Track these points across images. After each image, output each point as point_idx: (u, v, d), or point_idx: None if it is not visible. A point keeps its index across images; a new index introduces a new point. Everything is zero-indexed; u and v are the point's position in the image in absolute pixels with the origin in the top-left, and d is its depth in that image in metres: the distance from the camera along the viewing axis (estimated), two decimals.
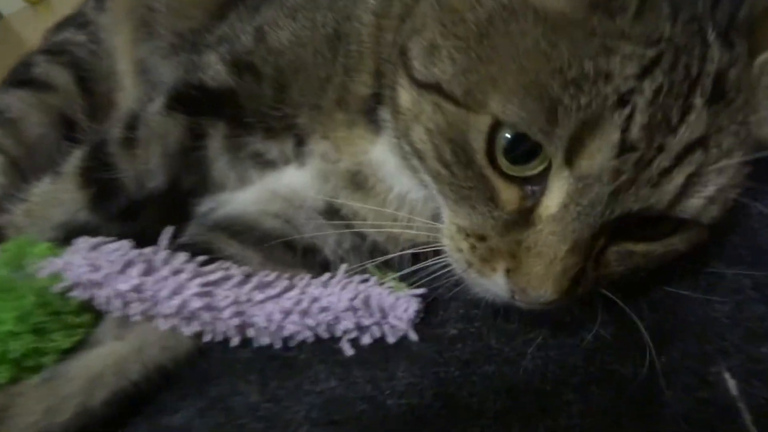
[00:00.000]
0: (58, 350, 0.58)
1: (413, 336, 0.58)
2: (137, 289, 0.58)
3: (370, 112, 0.60)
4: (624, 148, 0.40)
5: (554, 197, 0.43)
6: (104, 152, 0.69)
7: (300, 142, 0.65)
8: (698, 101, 0.41)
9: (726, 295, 0.52)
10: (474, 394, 0.52)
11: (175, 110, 0.67)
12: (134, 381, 0.58)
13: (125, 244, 0.61)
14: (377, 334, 0.59)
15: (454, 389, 0.52)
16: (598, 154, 0.40)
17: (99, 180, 0.68)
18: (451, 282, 0.61)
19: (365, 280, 0.61)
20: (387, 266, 0.66)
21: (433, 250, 0.66)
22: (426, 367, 0.55)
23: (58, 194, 0.69)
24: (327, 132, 0.63)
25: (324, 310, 0.58)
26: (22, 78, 0.87)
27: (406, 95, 0.52)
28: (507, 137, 0.44)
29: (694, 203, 0.43)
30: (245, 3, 0.74)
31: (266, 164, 0.67)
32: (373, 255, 0.66)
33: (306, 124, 0.64)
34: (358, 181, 0.63)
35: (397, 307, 0.58)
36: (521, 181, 0.45)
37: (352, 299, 0.58)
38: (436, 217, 0.64)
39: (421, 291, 0.60)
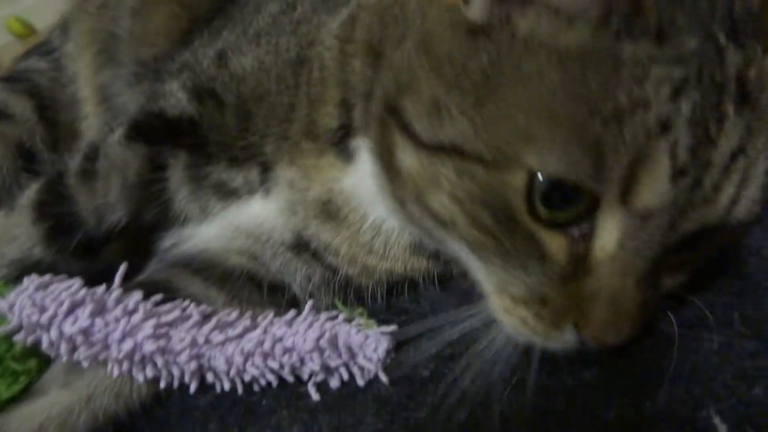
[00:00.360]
0: (0, 400, 0.54)
1: (383, 378, 0.54)
2: (86, 331, 0.54)
3: (341, 142, 0.58)
4: (676, 174, 0.38)
5: (609, 237, 0.40)
6: (62, 185, 0.66)
7: (266, 169, 0.61)
8: (729, 108, 0.39)
9: (714, 331, 0.49)
10: None
11: (135, 140, 0.64)
12: None
13: (75, 282, 0.57)
14: (345, 376, 0.55)
15: None
16: (654, 187, 0.38)
17: (55, 214, 0.65)
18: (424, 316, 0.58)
19: (333, 317, 0.57)
20: (358, 300, 0.63)
21: (409, 283, 0.63)
22: (396, 411, 0.51)
23: (11, 229, 0.66)
24: (294, 159, 0.60)
25: (288, 351, 0.55)
26: None
27: (409, 159, 0.47)
28: (543, 185, 0.40)
29: (743, 208, 0.41)
30: (209, 28, 0.73)
31: (230, 194, 0.63)
32: (345, 290, 0.62)
33: (272, 152, 0.61)
34: (330, 211, 0.60)
35: (366, 346, 0.55)
36: (563, 227, 0.42)
37: (318, 338, 0.54)
38: (414, 246, 0.61)
39: (391, 328, 0.56)
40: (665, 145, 0.37)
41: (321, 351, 0.54)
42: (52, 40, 0.95)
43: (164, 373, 0.55)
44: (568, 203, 0.40)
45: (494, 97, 0.41)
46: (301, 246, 0.62)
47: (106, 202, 0.64)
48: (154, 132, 0.64)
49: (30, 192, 0.67)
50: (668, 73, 0.37)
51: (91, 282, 0.58)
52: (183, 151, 0.63)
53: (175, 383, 0.56)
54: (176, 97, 0.64)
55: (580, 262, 0.42)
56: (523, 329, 0.46)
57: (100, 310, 0.55)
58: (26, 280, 0.58)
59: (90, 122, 0.89)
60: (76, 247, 0.65)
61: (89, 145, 0.68)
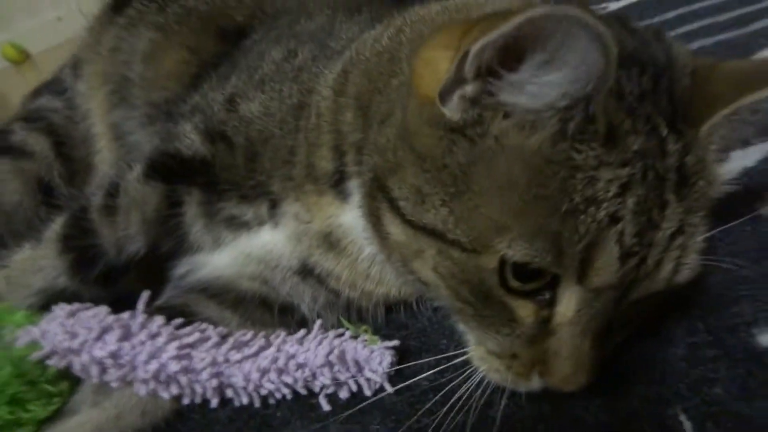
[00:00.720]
0: (36, 420, 0.59)
1: (389, 388, 0.59)
2: (114, 355, 0.59)
3: (337, 184, 0.62)
4: (623, 256, 0.44)
5: (568, 306, 0.47)
6: (85, 219, 0.71)
7: (274, 205, 0.67)
8: (670, 196, 0.45)
9: (681, 339, 0.56)
10: None
11: (153, 178, 0.70)
12: None
13: (102, 310, 0.62)
14: (354, 388, 0.61)
15: None
16: (604, 269, 0.44)
17: (79, 246, 0.70)
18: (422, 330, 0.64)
19: (340, 335, 0.63)
20: (360, 319, 0.69)
21: (403, 303, 0.69)
22: (399, 419, 0.57)
23: (37, 261, 0.71)
24: (299, 197, 0.65)
25: (301, 366, 0.60)
26: (1, 146, 0.89)
27: (395, 230, 0.52)
28: (513, 266, 0.46)
29: (683, 275, 0.48)
30: (217, 72, 0.78)
31: (241, 226, 0.68)
32: (348, 310, 0.68)
33: (279, 190, 0.66)
34: (331, 242, 0.65)
35: (371, 360, 0.60)
36: (530, 295, 0.48)
37: (328, 354, 0.60)
38: None
39: (393, 343, 0.62)
40: (614, 234, 0.43)
41: (331, 365, 0.60)
42: (64, 78, 1.01)
43: (187, 391, 0.61)
44: (535, 278, 0.46)
45: (470, 192, 0.46)
46: (306, 271, 0.68)
47: (126, 235, 0.70)
48: (170, 171, 0.69)
49: (55, 226, 0.72)
50: (616, 174, 0.43)
51: (110, 306, 0.63)
52: (197, 188, 0.68)
53: (197, 399, 0.61)
54: (190, 139, 0.69)
55: (544, 325, 0.48)
56: (496, 376, 0.53)
57: (126, 334, 0.60)
58: (56, 309, 0.63)
59: (103, 156, 0.94)
60: (97, 276, 0.70)
61: (110, 182, 0.73)
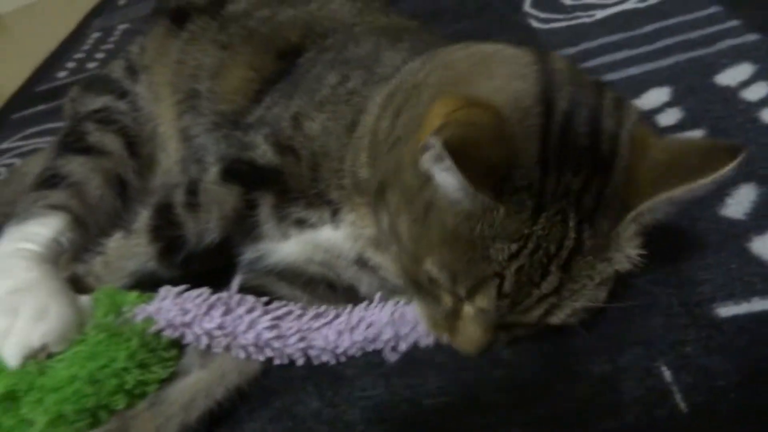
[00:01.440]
0: (158, 380, 0.72)
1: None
2: (220, 326, 0.73)
3: (379, 194, 0.68)
4: (500, 297, 0.57)
5: (467, 309, 0.62)
6: (172, 213, 0.82)
7: (335, 212, 0.77)
8: (554, 269, 0.56)
9: (661, 311, 0.72)
10: (488, 393, 0.70)
11: (229, 182, 0.81)
12: (219, 401, 0.73)
13: (205, 290, 0.75)
14: (412, 341, 0.73)
15: (474, 389, 0.70)
16: (484, 300, 0.58)
17: (167, 236, 0.82)
18: None
19: (397, 302, 0.76)
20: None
21: None
22: (450, 372, 0.72)
23: (131, 248, 0.82)
24: (353, 207, 0.76)
25: (370, 325, 0.74)
26: (80, 146, 0.98)
27: (384, 226, 0.66)
28: None
29: (553, 320, 0.60)
30: (276, 88, 0.89)
31: (307, 225, 0.80)
32: (395, 292, 0.82)
33: (337, 199, 0.76)
34: (380, 243, 0.75)
35: None
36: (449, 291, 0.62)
37: (393, 313, 0.74)
38: None
39: None
40: (494, 284, 0.56)
41: (394, 322, 0.73)
42: (118, 79, 1.09)
43: (278, 354, 0.75)
44: None
45: (425, 223, 0.58)
46: (362, 262, 0.79)
47: (206, 228, 0.82)
48: (246, 176, 0.80)
49: (142, 218, 0.84)
50: (509, 247, 0.54)
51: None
52: (270, 193, 0.78)
53: (285, 361, 0.76)
54: (263, 149, 0.80)
55: (457, 311, 0.63)
56: (427, 321, 0.69)
57: (227, 309, 0.74)
58: (162, 290, 0.76)
59: (169, 154, 1.04)
60: (179, 261, 0.83)
61: (189, 182, 0.85)
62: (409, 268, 0.64)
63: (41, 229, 0.84)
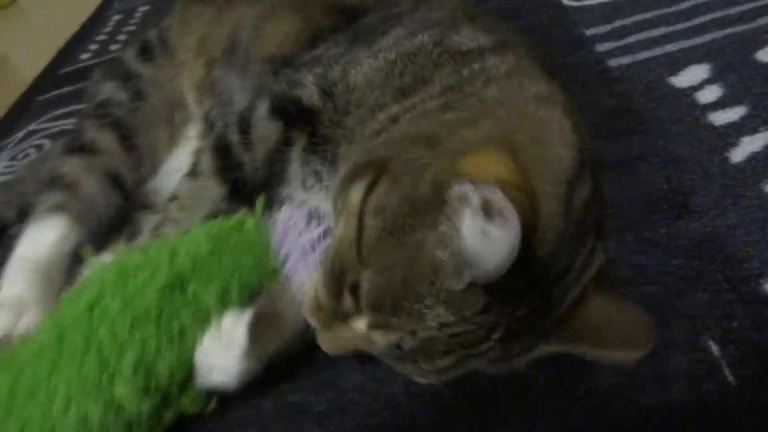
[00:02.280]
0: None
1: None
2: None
3: (371, 168, 0.65)
4: (398, 346, 0.57)
5: (360, 325, 0.59)
6: (232, 154, 0.84)
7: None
8: (454, 356, 0.56)
9: (707, 287, 0.72)
10: (528, 367, 0.70)
11: (275, 118, 0.81)
12: None
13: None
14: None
15: None
16: (382, 337, 0.57)
17: (234, 178, 0.83)
18: None
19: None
20: None
21: None
22: None
23: (203, 190, 0.84)
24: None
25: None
26: (75, 145, 1.02)
27: (355, 196, 0.60)
28: None
29: (460, 374, 0.59)
30: (335, 36, 0.88)
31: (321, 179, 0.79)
32: None
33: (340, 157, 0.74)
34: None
35: None
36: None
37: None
38: None
39: None
40: (404, 335, 0.55)
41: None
42: (127, 60, 1.11)
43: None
44: None
45: (399, 241, 0.55)
46: None
47: (257, 166, 0.83)
48: (289, 114, 0.80)
49: (205, 161, 0.85)
50: (442, 317, 0.53)
51: None
52: (304, 134, 0.78)
53: None
54: (311, 89, 0.78)
55: (348, 317, 0.60)
56: (308, 305, 0.65)
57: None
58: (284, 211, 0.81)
59: (194, 121, 1.06)
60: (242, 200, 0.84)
61: (238, 120, 0.85)
62: (343, 257, 0.59)
63: (44, 233, 0.90)
